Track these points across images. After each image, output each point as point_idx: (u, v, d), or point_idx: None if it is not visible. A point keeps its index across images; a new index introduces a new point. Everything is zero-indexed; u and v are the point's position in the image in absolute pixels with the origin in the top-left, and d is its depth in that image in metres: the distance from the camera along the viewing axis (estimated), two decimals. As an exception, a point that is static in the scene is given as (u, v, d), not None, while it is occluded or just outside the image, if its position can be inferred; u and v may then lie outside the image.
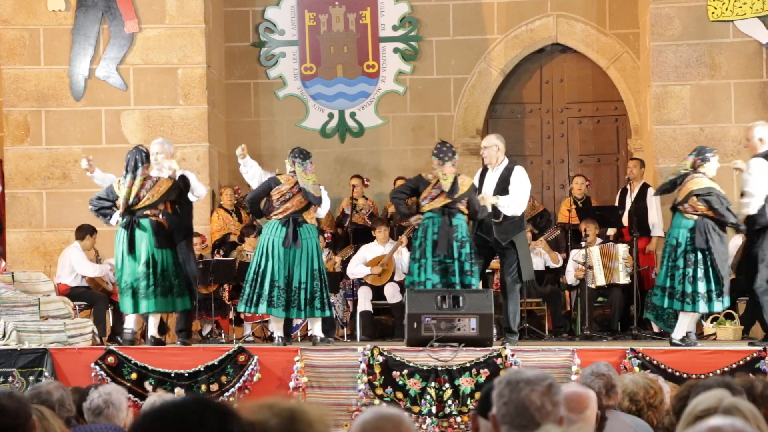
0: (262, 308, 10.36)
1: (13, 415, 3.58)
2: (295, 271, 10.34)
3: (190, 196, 10.82)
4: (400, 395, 9.73)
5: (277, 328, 10.58)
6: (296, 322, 11.63)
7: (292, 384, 9.83)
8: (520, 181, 10.70)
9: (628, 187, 13.12)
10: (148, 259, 10.38)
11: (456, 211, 10.36)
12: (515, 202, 10.59)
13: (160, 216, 10.57)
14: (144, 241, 10.41)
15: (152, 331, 10.65)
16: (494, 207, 10.50)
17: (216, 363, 9.99)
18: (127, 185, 10.45)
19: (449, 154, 10.39)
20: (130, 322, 10.66)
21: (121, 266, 10.48)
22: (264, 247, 10.41)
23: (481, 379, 9.63)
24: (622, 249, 12.07)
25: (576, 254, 12.37)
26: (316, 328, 10.55)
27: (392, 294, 12.38)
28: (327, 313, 10.60)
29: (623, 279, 12.04)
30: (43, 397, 5.53)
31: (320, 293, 10.42)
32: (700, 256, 9.90)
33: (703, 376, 8.81)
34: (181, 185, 10.69)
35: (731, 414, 3.25)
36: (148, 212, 10.47)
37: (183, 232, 10.77)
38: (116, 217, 10.61)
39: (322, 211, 10.88)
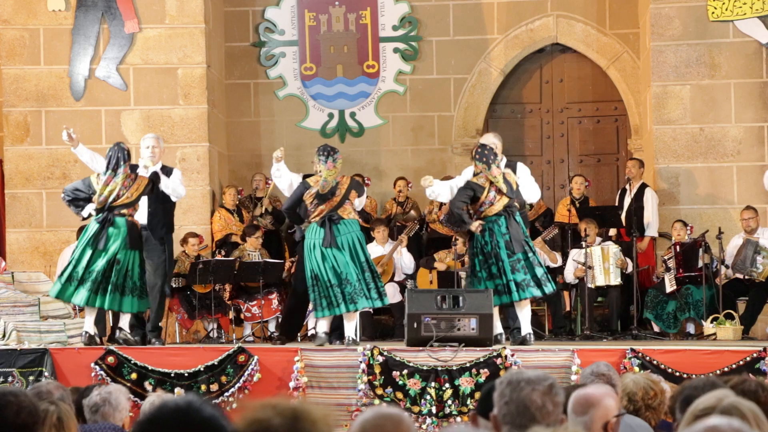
0: (332, 310, 10.33)
1: (32, 413, 3.60)
2: (348, 269, 10.31)
3: (165, 190, 10.77)
4: (400, 395, 9.72)
5: (321, 327, 10.50)
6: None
7: (292, 384, 9.83)
8: (528, 173, 10.85)
9: (627, 187, 13.13)
10: (112, 258, 10.29)
11: (515, 209, 10.36)
12: (535, 190, 10.79)
13: (135, 216, 10.55)
14: (115, 239, 10.34)
15: (123, 324, 10.54)
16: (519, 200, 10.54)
17: (216, 363, 9.99)
18: (105, 182, 10.37)
19: (492, 157, 10.33)
20: (89, 324, 10.49)
21: (79, 256, 10.34)
22: (310, 251, 10.40)
23: (481, 379, 9.63)
24: (613, 249, 12.07)
25: (576, 254, 12.37)
26: (350, 327, 10.48)
27: (392, 294, 12.37)
28: (386, 301, 10.62)
29: (614, 280, 12.04)
30: (43, 396, 5.53)
31: (374, 283, 10.41)
32: None
33: (702, 377, 8.81)
34: (153, 179, 10.66)
35: (730, 413, 3.25)
36: (124, 211, 10.42)
37: (165, 226, 10.77)
38: (89, 209, 10.54)
39: (358, 203, 10.86)
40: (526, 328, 10.26)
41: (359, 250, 10.43)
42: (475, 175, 10.49)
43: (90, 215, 10.55)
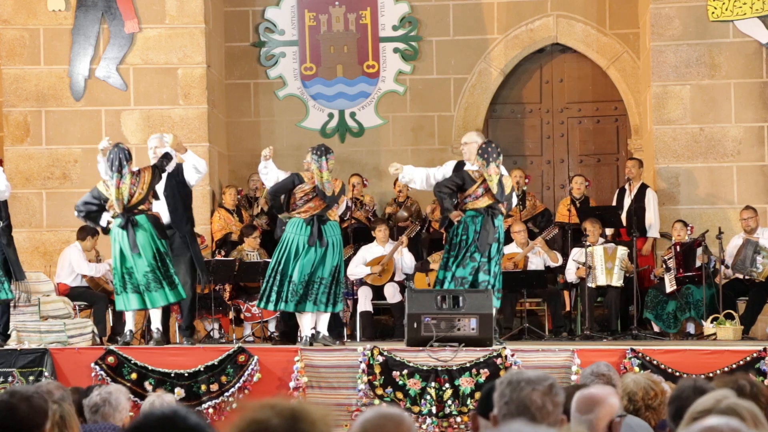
0: (280, 305, 10.37)
1: (42, 413, 3.61)
2: (317, 267, 10.34)
3: (190, 174, 10.77)
4: (400, 395, 9.72)
5: (303, 326, 10.49)
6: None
7: (292, 384, 9.83)
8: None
9: (627, 187, 13.13)
10: (154, 253, 10.37)
11: (498, 212, 10.40)
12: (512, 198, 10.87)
13: (153, 208, 10.56)
14: (146, 237, 10.38)
15: (157, 323, 10.59)
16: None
17: (216, 363, 9.99)
18: (115, 185, 10.37)
19: (494, 155, 10.35)
20: (131, 323, 10.64)
21: (121, 265, 10.42)
22: (287, 245, 10.41)
23: (481, 379, 9.63)
24: (621, 252, 12.06)
25: (576, 253, 12.37)
26: (321, 325, 10.52)
27: (392, 294, 12.38)
28: (339, 308, 10.64)
29: (616, 282, 12.04)
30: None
31: (335, 289, 10.44)
32: None
33: (702, 377, 8.81)
34: (159, 165, 10.65)
35: (728, 414, 3.25)
36: (142, 207, 10.44)
37: (188, 221, 10.81)
38: (106, 217, 10.56)
39: (339, 210, 10.90)
40: None
41: (338, 253, 10.50)
42: (460, 170, 10.56)
43: (109, 222, 10.56)
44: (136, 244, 10.30)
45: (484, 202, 10.33)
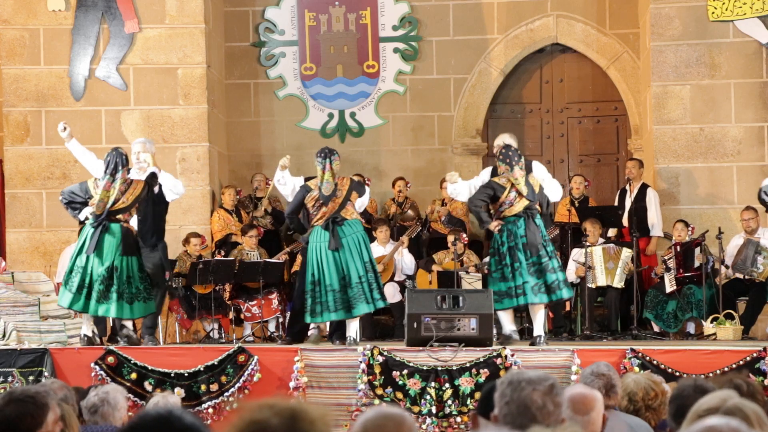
0: (329, 316, 10.35)
1: (44, 411, 3.61)
2: (350, 269, 10.33)
3: (168, 193, 10.76)
4: (400, 395, 9.72)
5: (349, 328, 10.45)
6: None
7: (292, 384, 9.83)
8: (545, 171, 10.86)
9: (627, 187, 13.13)
10: (110, 265, 10.27)
11: (536, 212, 10.34)
12: (556, 188, 10.79)
13: (130, 221, 10.51)
14: (110, 246, 10.32)
15: (128, 323, 10.54)
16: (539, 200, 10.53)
17: (216, 363, 9.98)
18: (104, 187, 10.35)
19: (515, 158, 10.32)
20: (87, 327, 10.51)
21: (78, 261, 10.30)
22: (313, 255, 10.39)
23: (481, 379, 9.63)
24: (625, 254, 12.04)
25: (577, 254, 12.37)
26: (352, 327, 10.48)
27: (392, 294, 12.37)
28: (386, 303, 10.67)
29: (617, 283, 12.03)
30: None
31: (376, 284, 10.43)
32: None
33: (702, 377, 8.81)
34: (149, 182, 10.63)
35: (733, 414, 3.24)
36: (120, 216, 10.39)
37: (155, 234, 10.69)
38: (86, 212, 10.51)
39: (360, 204, 10.85)
40: (537, 330, 10.27)
41: (364, 250, 10.45)
42: (496, 175, 10.49)
43: (87, 218, 10.53)
44: (99, 247, 10.25)
45: (520, 206, 10.27)
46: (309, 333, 10.61)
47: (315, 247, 10.41)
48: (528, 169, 10.54)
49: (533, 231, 10.20)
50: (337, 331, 10.66)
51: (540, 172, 10.72)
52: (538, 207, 10.40)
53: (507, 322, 10.36)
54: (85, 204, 10.53)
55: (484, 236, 10.60)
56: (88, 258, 10.29)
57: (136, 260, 10.42)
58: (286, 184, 10.84)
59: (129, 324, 10.59)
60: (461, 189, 10.73)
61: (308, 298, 10.34)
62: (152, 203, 10.67)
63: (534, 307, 10.25)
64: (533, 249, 10.15)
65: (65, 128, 10.69)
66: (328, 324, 10.80)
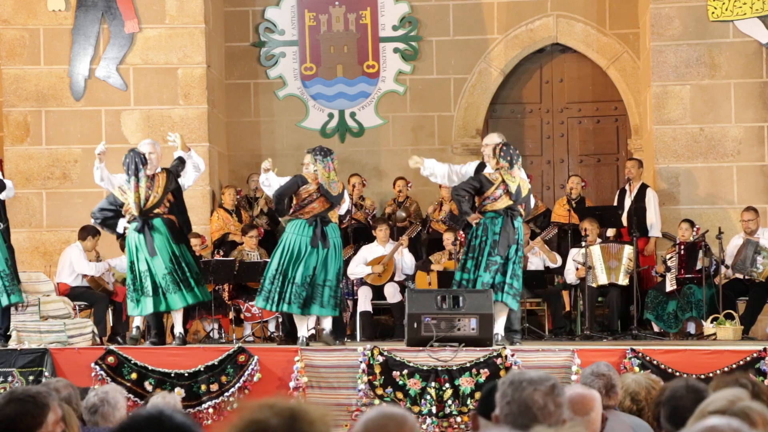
0: (283, 306, 10.37)
1: (29, 416, 3.62)
2: (319, 269, 10.33)
3: (190, 174, 10.77)
4: (400, 395, 9.72)
5: (300, 327, 10.49)
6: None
7: (292, 384, 9.82)
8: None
9: (627, 187, 13.12)
10: (170, 256, 10.38)
11: (517, 214, 10.33)
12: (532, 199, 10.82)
13: (168, 212, 10.57)
14: (162, 240, 10.40)
15: (179, 327, 10.62)
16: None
17: (216, 363, 9.98)
18: (134, 189, 10.39)
19: (515, 157, 10.32)
20: (138, 319, 10.65)
21: (141, 266, 10.39)
22: (289, 246, 10.39)
23: (481, 379, 9.63)
24: (627, 251, 12.03)
25: (576, 253, 12.37)
26: (326, 324, 10.52)
27: (392, 294, 12.38)
28: (337, 312, 10.66)
29: (622, 280, 12.03)
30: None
31: (339, 293, 10.46)
32: None
33: (702, 377, 8.82)
34: (174, 171, 10.66)
35: (740, 417, 3.22)
36: (157, 210, 10.46)
37: (187, 225, 10.83)
38: (122, 223, 10.58)
39: (342, 210, 10.89)
40: (497, 328, 10.24)
41: (339, 256, 10.51)
42: (481, 171, 10.45)
43: (125, 228, 10.56)
44: (154, 248, 10.33)
45: (503, 203, 10.25)
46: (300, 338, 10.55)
47: (291, 239, 10.39)
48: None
49: (509, 231, 10.20)
50: (341, 332, 10.72)
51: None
52: (521, 210, 10.40)
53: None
54: (119, 215, 10.57)
55: (463, 227, 10.56)
56: (146, 262, 10.33)
57: (185, 247, 10.54)
58: (271, 186, 10.85)
59: (179, 324, 10.59)
60: (436, 169, 10.76)
61: (269, 284, 10.36)
62: (177, 196, 10.74)
63: (495, 305, 10.22)
64: (502, 249, 10.16)
65: (103, 150, 10.61)
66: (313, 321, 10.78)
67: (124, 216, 10.56)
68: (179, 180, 10.74)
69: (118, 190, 10.55)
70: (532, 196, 10.74)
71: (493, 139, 10.71)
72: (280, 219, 10.75)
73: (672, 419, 4.15)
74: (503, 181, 10.22)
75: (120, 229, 10.64)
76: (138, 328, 10.67)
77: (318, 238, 10.32)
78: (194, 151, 11.04)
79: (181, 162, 10.75)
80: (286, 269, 10.34)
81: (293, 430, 2.66)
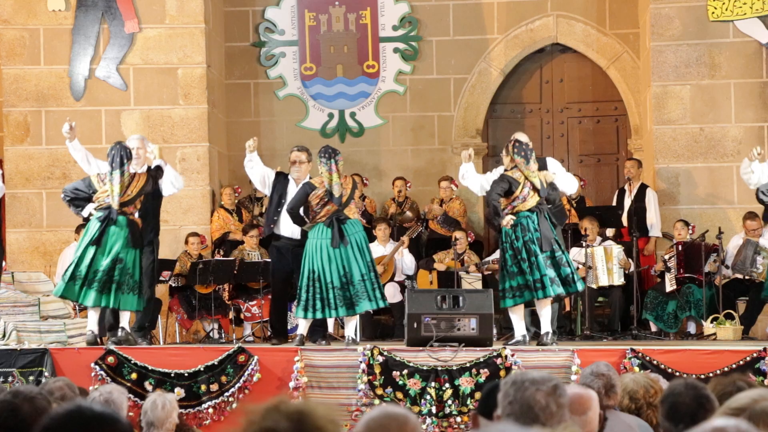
0: (329, 312, 10.30)
1: (29, 417, 3.63)
2: (352, 267, 10.30)
3: (167, 187, 10.73)
4: (400, 395, 9.72)
5: (349, 327, 10.42)
6: (294, 322, 11.56)
7: (292, 384, 9.82)
8: (560, 165, 10.91)
9: (627, 187, 13.13)
10: (115, 257, 10.22)
11: (546, 208, 10.31)
12: (572, 181, 10.89)
13: (136, 214, 10.47)
14: (118, 238, 10.27)
15: (124, 323, 10.45)
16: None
17: (216, 363, 9.97)
18: (117, 182, 10.31)
19: (529, 152, 10.31)
20: (93, 322, 10.40)
21: (81, 254, 10.22)
22: (314, 251, 10.35)
23: (481, 379, 9.63)
24: (616, 250, 12.05)
25: (576, 253, 12.36)
26: (350, 327, 10.46)
27: (392, 294, 12.37)
28: (386, 303, 10.63)
29: (617, 280, 12.03)
30: (54, 394, 5.54)
31: (377, 284, 10.40)
32: None
33: (702, 377, 8.82)
34: (153, 175, 10.61)
35: (758, 415, 3.20)
36: (126, 209, 10.36)
37: (153, 229, 10.68)
38: (89, 208, 10.46)
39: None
40: (545, 327, 10.23)
41: (365, 249, 10.43)
42: (506, 170, 10.42)
43: (90, 214, 10.49)
44: (107, 239, 10.20)
45: (532, 201, 10.21)
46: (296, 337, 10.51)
47: (315, 243, 10.37)
48: (543, 166, 10.52)
49: (545, 226, 10.16)
50: (320, 331, 10.64)
51: (555, 167, 10.73)
52: (545, 203, 10.37)
53: (520, 325, 10.29)
54: (88, 200, 10.47)
55: (498, 231, 10.49)
56: (93, 250, 10.21)
57: (138, 253, 10.38)
58: (254, 168, 10.84)
59: (126, 324, 10.49)
60: (471, 176, 10.69)
61: (305, 293, 10.30)
62: (151, 198, 10.66)
63: (542, 302, 10.20)
64: (546, 243, 10.11)
65: (71, 127, 10.60)
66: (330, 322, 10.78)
67: (93, 202, 10.45)
68: (161, 186, 10.68)
69: (96, 177, 10.47)
70: (570, 180, 10.78)
71: (513, 137, 10.71)
72: (303, 228, 10.68)
73: (669, 417, 4.16)
74: (526, 177, 10.19)
75: (85, 213, 10.53)
76: (123, 329, 10.52)
77: (337, 239, 10.29)
78: (171, 166, 10.92)
79: (159, 170, 10.68)
80: (319, 275, 10.27)
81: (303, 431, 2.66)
